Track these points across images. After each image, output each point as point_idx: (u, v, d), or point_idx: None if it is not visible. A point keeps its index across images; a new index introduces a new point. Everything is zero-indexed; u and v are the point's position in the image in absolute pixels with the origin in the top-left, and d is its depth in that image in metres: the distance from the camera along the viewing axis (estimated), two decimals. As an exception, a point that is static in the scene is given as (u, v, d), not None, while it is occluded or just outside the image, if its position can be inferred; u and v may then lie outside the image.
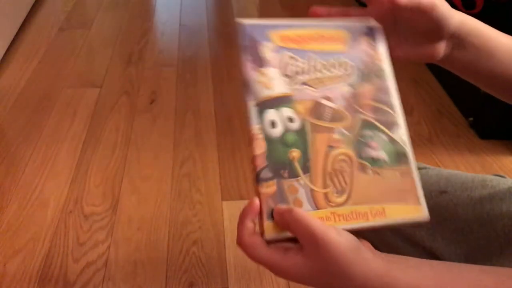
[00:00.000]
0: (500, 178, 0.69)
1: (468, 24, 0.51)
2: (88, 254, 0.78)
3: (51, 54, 1.40)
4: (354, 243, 0.41)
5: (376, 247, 0.85)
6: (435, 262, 0.43)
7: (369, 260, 0.41)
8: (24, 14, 1.55)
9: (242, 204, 0.90)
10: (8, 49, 1.39)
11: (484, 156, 1.07)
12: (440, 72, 1.37)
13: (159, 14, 1.73)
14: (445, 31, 0.49)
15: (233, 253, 0.80)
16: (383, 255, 0.42)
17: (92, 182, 0.93)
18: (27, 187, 0.91)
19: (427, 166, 0.80)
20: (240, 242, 0.41)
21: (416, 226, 0.54)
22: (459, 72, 0.55)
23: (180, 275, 0.76)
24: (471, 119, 1.17)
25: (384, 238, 0.75)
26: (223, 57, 1.44)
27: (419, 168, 0.77)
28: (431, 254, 0.70)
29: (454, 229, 0.66)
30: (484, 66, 0.53)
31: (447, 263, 0.44)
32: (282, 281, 0.76)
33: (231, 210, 0.88)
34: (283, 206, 0.40)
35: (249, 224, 0.41)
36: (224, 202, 0.90)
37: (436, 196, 0.69)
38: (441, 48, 0.50)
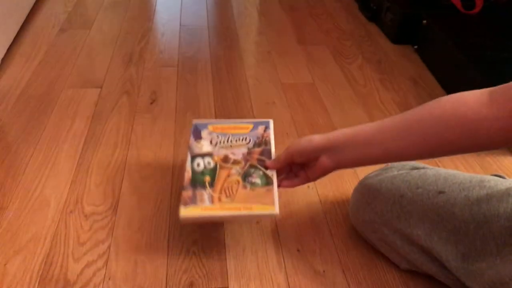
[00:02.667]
0: (498, 178, 0.70)
1: (332, 138, 0.70)
2: (88, 254, 0.79)
3: (51, 55, 1.41)
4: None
5: (375, 245, 0.85)
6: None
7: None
8: (24, 15, 1.56)
9: (242, 204, 0.90)
10: (8, 50, 1.39)
11: (484, 156, 1.07)
12: (439, 72, 1.38)
13: (160, 14, 1.74)
14: (313, 154, 0.71)
15: (233, 252, 0.80)
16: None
17: (93, 182, 0.94)
18: (28, 187, 0.92)
19: (426, 165, 0.80)
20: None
21: (270, 217, 0.82)
22: (357, 166, 0.89)
23: (180, 275, 0.76)
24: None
25: (382, 237, 0.76)
26: (223, 58, 1.44)
27: (418, 168, 0.79)
28: (428, 253, 0.70)
29: (451, 229, 0.66)
30: (371, 154, 0.66)
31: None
32: (281, 280, 0.76)
33: (231, 210, 0.89)
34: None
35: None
36: (224, 202, 0.90)
37: (434, 196, 0.69)
38: (324, 162, 0.71)
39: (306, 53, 1.50)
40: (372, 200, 0.75)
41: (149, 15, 1.72)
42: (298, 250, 0.81)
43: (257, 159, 0.80)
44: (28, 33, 1.53)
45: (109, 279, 0.75)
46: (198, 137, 0.85)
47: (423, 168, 0.78)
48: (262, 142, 0.83)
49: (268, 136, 0.84)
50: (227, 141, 0.83)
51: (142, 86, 1.27)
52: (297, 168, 0.77)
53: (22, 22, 1.53)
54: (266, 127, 0.87)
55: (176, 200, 0.90)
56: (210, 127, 0.86)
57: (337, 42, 1.58)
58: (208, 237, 0.83)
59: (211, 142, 0.83)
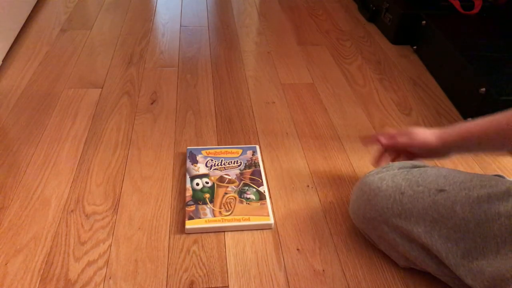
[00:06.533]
0: (499, 178, 0.70)
1: (445, 139, 0.80)
2: (89, 253, 0.79)
3: (52, 55, 1.41)
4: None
5: (375, 242, 0.86)
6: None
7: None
8: (25, 15, 1.56)
9: (242, 203, 0.89)
10: (9, 50, 1.40)
11: (483, 156, 1.07)
12: (438, 73, 1.38)
13: (160, 15, 1.74)
14: (431, 150, 0.82)
15: (233, 252, 0.80)
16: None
17: (94, 182, 0.94)
18: (29, 187, 0.92)
19: (426, 164, 0.80)
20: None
21: (266, 227, 0.85)
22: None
23: (181, 274, 0.76)
24: (469, 119, 1.17)
25: (382, 235, 0.76)
26: (223, 58, 1.45)
27: (418, 167, 0.79)
28: (428, 251, 0.71)
29: (451, 227, 0.67)
30: (476, 151, 0.79)
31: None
32: (281, 280, 0.76)
33: (231, 210, 0.89)
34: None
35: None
36: (224, 202, 0.91)
37: (434, 194, 0.70)
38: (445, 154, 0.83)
39: (306, 53, 1.50)
40: (373, 198, 0.75)
41: (149, 16, 1.72)
42: (298, 250, 0.82)
43: (249, 179, 0.93)
44: (29, 33, 1.53)
45: (109, 278, 0.75)
46: (194, 161, 0.97)
47: (424, 166, 0.78)
48: (252, 164, 0.97)
49: (257, 159, 0.99)
50: (221, 163, 0.96)
51: (142, 86, 1.27)
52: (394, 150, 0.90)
53: (23, 22, 1.53)
54: (254, 152, 1.01)
55: (176, 200, 0.90)
56: (203, 152, 0.99)
57: (336, 42, 1.59)
58: (208, 236, 0.83)
59: (206, 165, 0.96)
